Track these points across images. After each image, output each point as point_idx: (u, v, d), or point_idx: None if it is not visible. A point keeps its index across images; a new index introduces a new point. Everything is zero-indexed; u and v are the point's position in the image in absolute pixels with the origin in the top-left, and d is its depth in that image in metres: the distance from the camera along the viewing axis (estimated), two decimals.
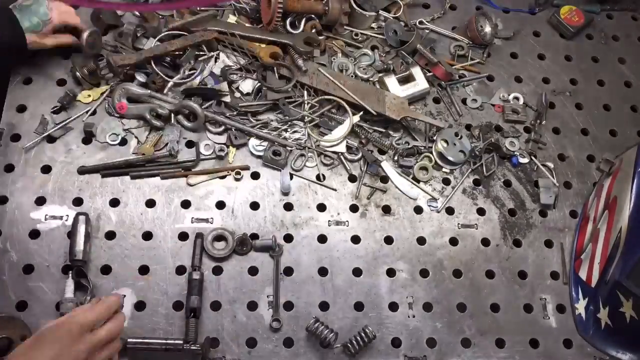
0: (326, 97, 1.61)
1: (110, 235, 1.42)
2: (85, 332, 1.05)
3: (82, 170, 1.46)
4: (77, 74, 1.51)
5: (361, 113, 1.60)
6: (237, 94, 1.59)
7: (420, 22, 1.79)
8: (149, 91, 1.52)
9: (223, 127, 1.55)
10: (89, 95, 1.54)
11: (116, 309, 1.14)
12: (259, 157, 1.54)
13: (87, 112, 1.52)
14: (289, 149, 1.55)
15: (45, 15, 1.44)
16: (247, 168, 1.53)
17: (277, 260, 1.43)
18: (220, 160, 1.53)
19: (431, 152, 1.61)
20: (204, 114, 1.51)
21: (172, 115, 1.52)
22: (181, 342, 1.30)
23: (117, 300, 1.15)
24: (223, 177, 1.51)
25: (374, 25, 1.77)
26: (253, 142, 1.55)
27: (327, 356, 1.37)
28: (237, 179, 1.51)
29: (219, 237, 1.44)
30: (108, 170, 1.47)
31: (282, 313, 1.39)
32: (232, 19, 1.66)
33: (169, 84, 1.55)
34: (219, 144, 1.53)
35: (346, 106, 1.60)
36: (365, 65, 1.69)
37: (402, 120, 1.61)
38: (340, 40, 1.72)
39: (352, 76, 1.66)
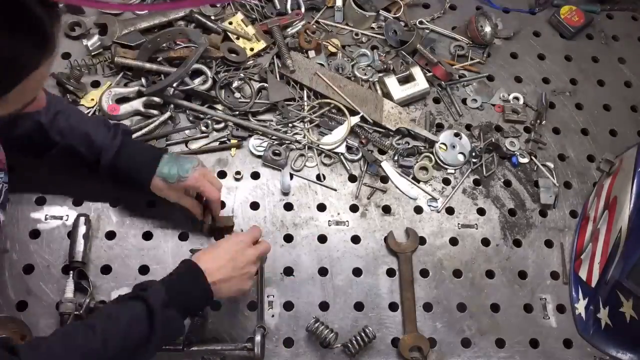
0: (325, 100, 1.61)
1: (110, 235, 1.42)
2: (251, 243, 1.27)
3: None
4: (67, 86, 1.51)
5: (361, 114, 1.60)
6: (238, 94, 1.59)
7: (420, 22, 1.79)
8: (137, 88, 1.53)
9: (223, 124, 1.56)
10: (92, 99, 1.54)
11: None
12: (259, 157, 1.54)
13: (87, 112, 1.52)
14: (290, 148, 1.55)
15: (185, 172, 1.31)
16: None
17: (262, 267, 1.41)
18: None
19: (431, 152, 1.61)
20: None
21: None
22: (181, 342, 1.30)
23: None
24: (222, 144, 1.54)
25: (374, 25, 1.77)
26: (253, 142, 1.55)
27: (327, 356, 1.37)
28: (237, 179, 1.52)
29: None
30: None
31: (282, 313, 1.39)
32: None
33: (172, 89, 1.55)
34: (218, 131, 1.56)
35: (344, 109, 1.60)
36: (365, 65, 1.69)
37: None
38: (338, 40, 1.72)
39: (350, 77, 1.66)
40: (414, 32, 1.69)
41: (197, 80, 1.57)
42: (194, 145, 1.54)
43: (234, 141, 1.54)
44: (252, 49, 1.64)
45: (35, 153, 1.31)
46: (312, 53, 1.67)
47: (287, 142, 1.56)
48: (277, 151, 1.53)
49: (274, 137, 1.55)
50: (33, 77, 0.75)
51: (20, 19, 0.68)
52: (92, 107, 1.53)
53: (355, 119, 1.59)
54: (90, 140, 1.29)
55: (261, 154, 1.54)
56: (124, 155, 1.31)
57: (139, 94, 1.53)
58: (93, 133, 1.29)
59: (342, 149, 1.58)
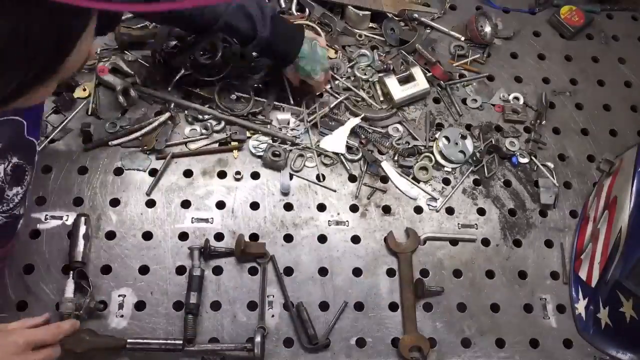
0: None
1: (110, 235, 1.42)
2: (29, 348, 1.09)
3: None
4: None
5: (362, 115, 1.61)
6: (233, 96, 1.59)
7: (420, 22, 1.79)
8: (136, 79, 1.54)
9: (223, 124, 1.56)
10: (85, 89, 1.54)
11: (62, 337, 1.17)
12: (259, 157, 1.54)
13: (87, 111, 1.52)
14: (289, 149, 1.55)
15: (315, 73, 1.52)
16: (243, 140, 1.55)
17: (265, 268, 1.43)
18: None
19: (431, 152, 1.61)
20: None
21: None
22: (181, 342, 1.30)
23: (71, 328, 1.19)
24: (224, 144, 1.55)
25: (374, 25, 1.77)
26: (253, 142, 1.55)
27: (327, 356, 1.37)
28: (237, 179, 1.52)
29: None
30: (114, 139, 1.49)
31: (282, 313, 1.39)
32: None
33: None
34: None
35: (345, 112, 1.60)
36: (365, 65, 1.69)
37: (402, 121, 1.62)
38: (338, 41, 1.72)
39: (349, 77, 1.66)
40: (415, 32, 1.69)
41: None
42: (194, 146, 1.54)
43: (234, 143, 1.54)
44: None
45: (197, 31, 1.46)
46: None
47: (287, 142, 1.55)
48: (276, 152, 1.53)
49: (274, 138, 1.55)
50: (83, 38, 0.72)
51: None
52: (85, 97, 1.53)
53: (355, 121, 1.59)
54: (250, 16, 1.39)
55: (261, 154, 1.54)
56: (276, 37, 1.44)
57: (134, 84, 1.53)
58: (252, 11, 1.40)
59: (342, 149, 1.57)
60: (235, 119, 1.55)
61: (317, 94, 1.61)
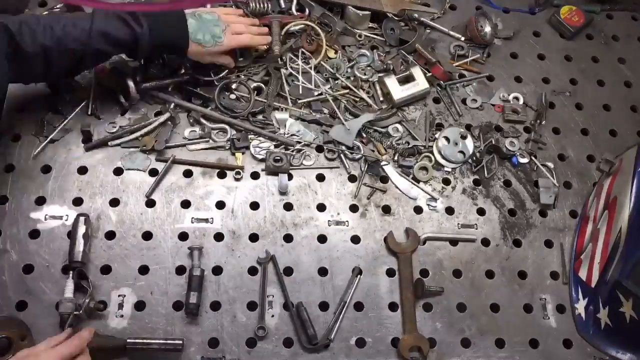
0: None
1: (110, 235, 1.42)
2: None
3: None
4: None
5: (378, 111, 1.60)
6: (233, 96, 1.59)
7: (420, 22, 1.79)
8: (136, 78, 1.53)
9: (222, 126, 1.56)
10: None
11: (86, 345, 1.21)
12: (261, 160, 1.54)
13: (87, 111, 1.52)
14: (291, 152, 1.54)
15: (218, 37, 1.46)
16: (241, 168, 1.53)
17: (265, 268, 1.43)
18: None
19: (431, 152, 1.61)
20: None
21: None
22: (181, 342, 1.30)
23: (90, 334, 1.23)
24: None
25: (374, 25, 1.77)
26: (253, 143, 1.55)
27: (327, 356, 1.37)
28: (237, 179, 1.52)
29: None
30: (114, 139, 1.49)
31: (282, 313, 1.39)
32: None
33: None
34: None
35: (340, 113, 1.60)
36: (364, 65, 1.69)
37: (402, 121, 1.62)
38: (338, 42, 1.72)
39: (349, 77, 1.67)
40: (414, 32, 1.69)
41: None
42: (193, 147, 1.53)
43: (238, 155, 1.53)
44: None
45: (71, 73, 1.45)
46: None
47: (289, 146, 1.55)
48: (277, 157, 1.52)
49: (275, 141, 1.55)
50: None
51: None
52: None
53: (369, 116, 1.59)
54: (114, 39, 1.35)
55: (260, 155, 1.53)
56: (157, 38, 1.39)
57: (134, 78, 1.51)
58: (112, 31, 1.35)
59: (350, 142, 1.58)
60: (234, 121, 1.55)
61: (232, 66, 1.57)
